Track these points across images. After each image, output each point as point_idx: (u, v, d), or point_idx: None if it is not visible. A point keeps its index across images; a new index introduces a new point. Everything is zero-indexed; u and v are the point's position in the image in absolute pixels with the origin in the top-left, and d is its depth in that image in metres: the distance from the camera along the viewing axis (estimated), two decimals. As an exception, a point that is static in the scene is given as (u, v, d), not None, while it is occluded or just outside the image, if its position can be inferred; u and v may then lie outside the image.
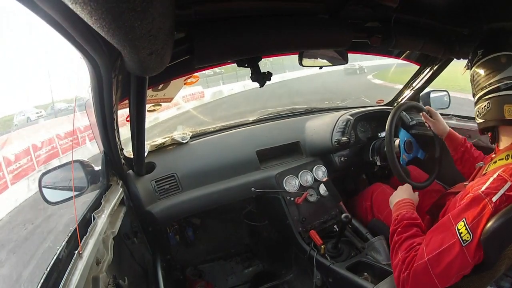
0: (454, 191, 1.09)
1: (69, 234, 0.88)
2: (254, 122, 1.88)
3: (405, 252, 0.84)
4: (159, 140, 1.55)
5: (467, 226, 0.74)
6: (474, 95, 0.96)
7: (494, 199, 0.75)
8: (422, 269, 0.77)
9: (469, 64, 0.98)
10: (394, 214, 1.01)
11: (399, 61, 1.71)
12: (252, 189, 1.47)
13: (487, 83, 0.89)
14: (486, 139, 1.10)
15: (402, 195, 1.10)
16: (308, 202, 1.49)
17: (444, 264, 0.75)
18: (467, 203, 0.78)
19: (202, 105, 13.99)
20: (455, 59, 1.33)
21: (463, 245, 0.74)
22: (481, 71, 0.91)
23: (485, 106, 0.91)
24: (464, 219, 0.76)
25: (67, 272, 0.72)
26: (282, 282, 1.64)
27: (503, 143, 0.92)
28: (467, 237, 0.74)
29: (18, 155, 6.19)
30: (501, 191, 0.75)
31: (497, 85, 0.87)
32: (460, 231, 0.75)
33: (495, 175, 0.79)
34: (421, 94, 1.90)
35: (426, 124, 1.46)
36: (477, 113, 0.95)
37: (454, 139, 1.37)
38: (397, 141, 1.47)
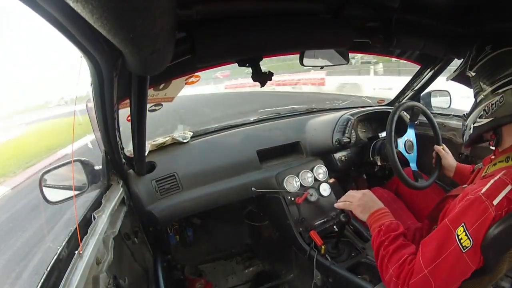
0: (453, 194, 1.07)
1: (70, 234, 0.89)
2: (254, 122, 1.88)
3: (397, 266, 0.81)
4: (160, 140, 1.55)
5: (467, 232, 0.72)
6: (476, 95, 0.88)
7: (495, 202, 0.73)
8: (423, 283, 0.74)
9: (470, 63, 0.89)
10: (375, 225, 0.95)
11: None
12: (253, 188, 1.47)
13: (502, 75, 0.79)
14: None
15: (373, 205, 1.02)
16: (309, 202, 1.49)
17: (445, 273, 0.73)
18: (466, 206, 0.76)
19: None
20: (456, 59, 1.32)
21: (463, 251, 0.72)
22: (493, 64, 0.82)
23: (497, 101, 0.80)
24: (463, 224, 0.73)
25: (67, 272, 0.73)
26: (283, 282, 1.64)
27: (504, 144, 0.88)
28: (467, 243, 0.71)
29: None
30: (502, 194, 0.73)
31: None
32: (459, 237, 0.72)
33: (496, 178, 0.77)
34: (421, 94, 1.90)
35: (434, 155, 1.44)
36: (483, 112, 0.84)
37: (461, 171, 1.34)
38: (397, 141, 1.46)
